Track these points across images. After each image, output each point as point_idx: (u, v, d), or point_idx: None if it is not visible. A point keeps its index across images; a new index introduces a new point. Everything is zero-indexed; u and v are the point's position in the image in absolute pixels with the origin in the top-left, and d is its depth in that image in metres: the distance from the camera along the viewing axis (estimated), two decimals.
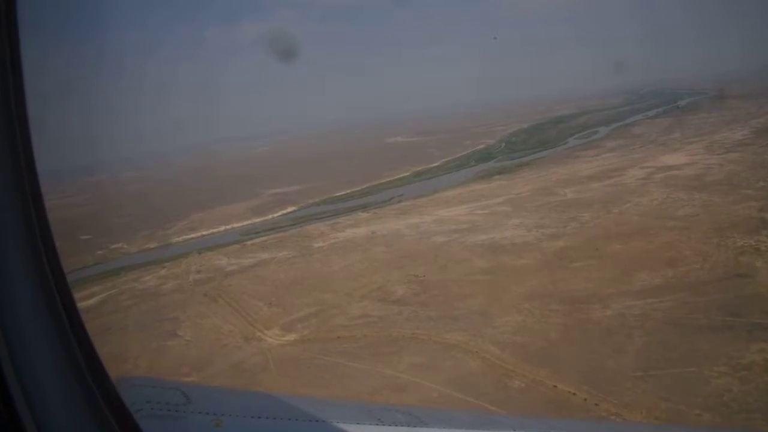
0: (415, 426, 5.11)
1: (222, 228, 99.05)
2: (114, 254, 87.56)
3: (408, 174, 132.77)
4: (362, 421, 5.00)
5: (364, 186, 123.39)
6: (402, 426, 5.03)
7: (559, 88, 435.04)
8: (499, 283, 53.40)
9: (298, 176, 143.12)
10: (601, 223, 68.23)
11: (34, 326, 2.80)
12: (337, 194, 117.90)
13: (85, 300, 62.38)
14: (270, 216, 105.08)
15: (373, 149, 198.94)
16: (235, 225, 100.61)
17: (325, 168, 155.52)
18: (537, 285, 51.65)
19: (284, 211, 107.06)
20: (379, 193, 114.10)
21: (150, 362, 46.13)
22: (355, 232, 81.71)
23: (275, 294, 59.02)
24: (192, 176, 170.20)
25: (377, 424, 4.97)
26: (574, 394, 33.93)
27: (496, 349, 40.81)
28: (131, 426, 3.22)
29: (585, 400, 33.15)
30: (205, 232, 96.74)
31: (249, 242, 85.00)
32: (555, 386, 35.01)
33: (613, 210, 73.40)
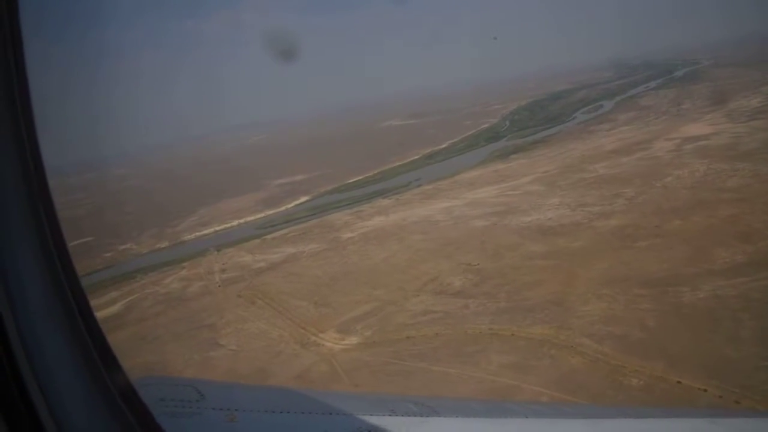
0: (428, 416, 4.95)
1: (235, 222, 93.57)
2: (123, 256, 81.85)
3: (418, 157, 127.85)
4: (375, 412, 4.83)
5: (375, 171, 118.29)
6: (415, 416, 4.90)
7: (544, 64, 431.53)
8: (564, 268, 49.66)
9: (302, 164, 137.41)
10: (649, 199, 64.82)
11: (48, 325, 2.74)
12: (349, 181, 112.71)
13: (106, 307, 57.24)
14: (284, 207, 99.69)
15: (371, 133, 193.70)
16: (249, 218, 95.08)
17: (327, 155, 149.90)
18: (607, 268, 48.06)
19: (297, 202, 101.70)
20: (393, 179, 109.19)
21: (198, 378, 41.47)
22: (383, 219, 77.22)
23: (318, 292, 54.51)
24: (194, 168, 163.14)
25: (390, 415, 4.80)
26: (705, 390, 30.41)
27: (591, 342, 37.11)
28: (150, 423, 3.14)
29: (720, 397, 29.62)
30: (217, 228, 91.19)
31: (269, 236, 79.93)
32: (679, 382, 31.47)
33: (656, 184, 70.03)
